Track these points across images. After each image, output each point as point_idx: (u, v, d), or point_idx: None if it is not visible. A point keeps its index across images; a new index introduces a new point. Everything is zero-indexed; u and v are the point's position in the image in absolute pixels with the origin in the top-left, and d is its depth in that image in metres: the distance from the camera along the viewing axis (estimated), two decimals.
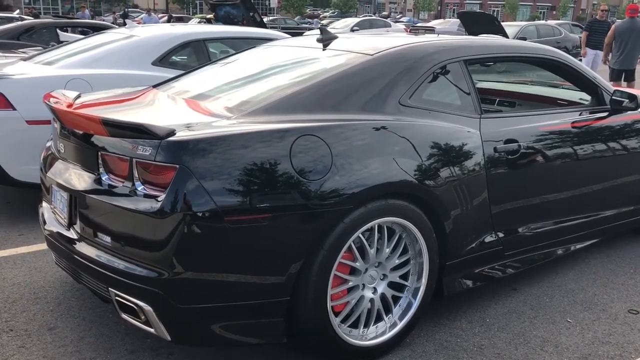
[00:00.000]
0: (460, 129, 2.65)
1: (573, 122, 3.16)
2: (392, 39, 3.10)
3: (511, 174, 2.82)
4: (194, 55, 4.63)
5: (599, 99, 3.38)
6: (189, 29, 4.92)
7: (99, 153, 2.22)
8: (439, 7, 61.84)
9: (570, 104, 3.67)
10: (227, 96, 2.69)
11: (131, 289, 2.09)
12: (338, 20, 32.28)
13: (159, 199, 2.00)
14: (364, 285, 2.41)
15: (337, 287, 2.33)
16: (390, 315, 2.52)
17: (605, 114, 3.31)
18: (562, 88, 4.09)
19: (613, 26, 9.44)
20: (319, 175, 2.15)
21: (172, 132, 2.04)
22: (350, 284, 2.37)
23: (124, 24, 5.81)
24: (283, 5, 62.47)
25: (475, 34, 20.21)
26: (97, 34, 5.36)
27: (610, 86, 3.46)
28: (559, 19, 55.74)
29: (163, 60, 4.43)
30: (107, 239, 2.18)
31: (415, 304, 2.54)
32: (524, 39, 15.97)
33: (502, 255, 2.89)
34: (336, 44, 3.02)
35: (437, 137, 2.54)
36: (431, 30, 22.99)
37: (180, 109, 2.71)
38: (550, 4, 75.58)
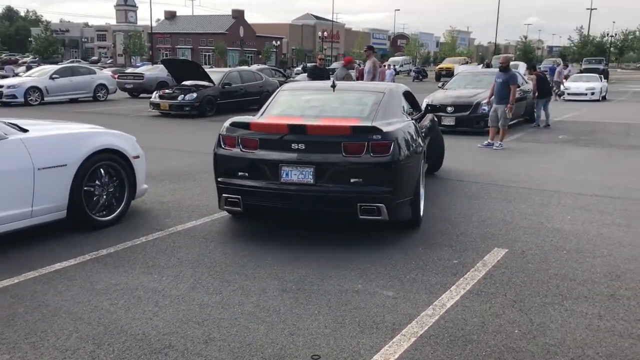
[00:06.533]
0: None
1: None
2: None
3: None
4: None
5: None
6: None
7: (342, 143, 4.71)
8: (151, 52, 61.43)
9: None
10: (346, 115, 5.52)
11: (372, 199, 4.75)
12: (36, 67, 29.43)
13: (386, 157, 4.69)
14: None
15: None
16: None
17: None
18: None
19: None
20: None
21: (382, 128, 4.75)
22: None
23: None
24: None
25: (180, 79, 20.31)
26: None
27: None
28: (265, 63, 60.32)
29: None
30: (360, 180, 4.71)
31: None
32: (229, 84, 16.69)
33: None
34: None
35: None
36: (140, 76, 22.42)
37: (337, 121, 5.17)
38: (256, 49, 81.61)
